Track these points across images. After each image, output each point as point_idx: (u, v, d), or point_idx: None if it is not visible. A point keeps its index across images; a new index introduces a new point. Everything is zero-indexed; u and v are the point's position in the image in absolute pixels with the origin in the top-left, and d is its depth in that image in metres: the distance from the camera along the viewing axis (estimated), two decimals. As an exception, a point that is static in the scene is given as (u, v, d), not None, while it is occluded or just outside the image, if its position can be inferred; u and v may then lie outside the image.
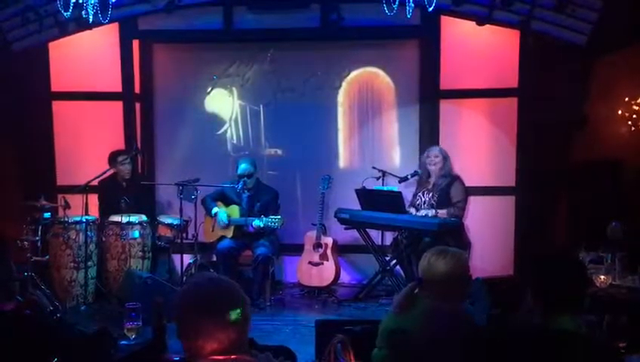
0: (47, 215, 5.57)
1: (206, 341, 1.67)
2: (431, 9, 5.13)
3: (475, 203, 6.10)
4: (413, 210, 5.74)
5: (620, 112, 5.67)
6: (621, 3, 5.43)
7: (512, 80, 6.28)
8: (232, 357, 1.67)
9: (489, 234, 6.21)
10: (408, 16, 5.15)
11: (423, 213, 5.63)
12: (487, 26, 5.87)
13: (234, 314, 1.69)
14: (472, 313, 3.16)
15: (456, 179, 5.68)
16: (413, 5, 5.05)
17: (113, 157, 5.98)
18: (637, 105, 5.61)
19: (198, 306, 1.70)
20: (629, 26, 5.42)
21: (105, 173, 5.86)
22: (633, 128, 5.63)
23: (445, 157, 5.71)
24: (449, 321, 2.44)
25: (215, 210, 5.89)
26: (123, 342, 3.00)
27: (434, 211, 5.57)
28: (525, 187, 6.27)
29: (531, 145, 6.19)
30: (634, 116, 5.61)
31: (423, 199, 5.75)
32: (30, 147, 6.43)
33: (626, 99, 5.64)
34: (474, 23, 5.89)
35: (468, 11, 5.76)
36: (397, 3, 4.98)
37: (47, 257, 5.59)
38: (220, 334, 1.67)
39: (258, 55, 6.68)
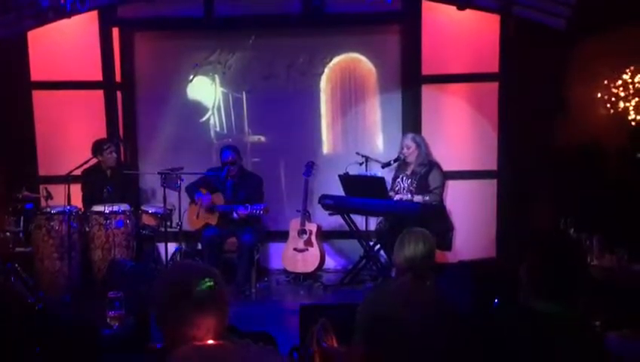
0: (29, 206, 5.53)
1: (185, 327, 1.67)
2: (411, -6, 5.14)
3: (457, 187, 6.15)
4: (393, 195, 5.77)
5: (599, 95, 5.73)
6: (599, -14, 5.48)
7: (492, 65, 6.31)
8: (211, 342, 1.68)
9: (471, 217, 6.27)
10: (389, 2, 5.15)
11: (398, 197, 5.65)
12: (468, 10, 5.88)
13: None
14: (455, 296, 3.20)
15: (434, 166, 5.68)
16: (393, -10, 5.06)
17: (98, 147, 5.92)
18: (616, 87, 5.68)
19: (175, 292, 1.70)
20: (607, 9, 5.46)
21: (87, 162, 5.81)
22: (612, 111, 5.70)
23: (419, 145, 5.70)
24: (424, 306, 2.49)
25: (199, 195, 5.88)
26: (106, 331, 3.01)
27: (410, 196, 5.59)
28: (507, 170, 6.33)
29: (512, 129, 6.24)
30: (613, 99, 5.69)
31: (402, 185, 5.77)
32: (11, 138, 6.35)
33: (605, 82, 5.70)
34: (454, 7, 5.91)
35: (448, -4, 5.78)
36: (378, -12, 4.99)
37: (31, 248, 5.56)
38: (199, 320, 1.67)
39: (240, 42, 6.65)
